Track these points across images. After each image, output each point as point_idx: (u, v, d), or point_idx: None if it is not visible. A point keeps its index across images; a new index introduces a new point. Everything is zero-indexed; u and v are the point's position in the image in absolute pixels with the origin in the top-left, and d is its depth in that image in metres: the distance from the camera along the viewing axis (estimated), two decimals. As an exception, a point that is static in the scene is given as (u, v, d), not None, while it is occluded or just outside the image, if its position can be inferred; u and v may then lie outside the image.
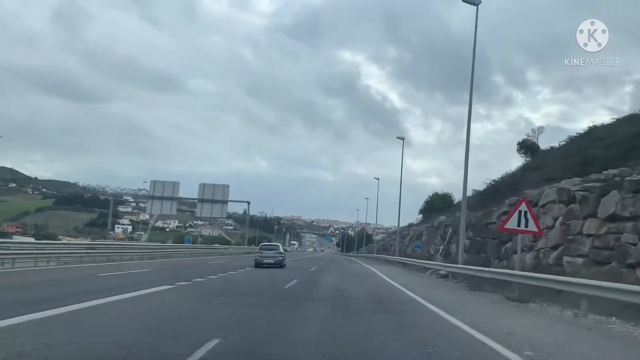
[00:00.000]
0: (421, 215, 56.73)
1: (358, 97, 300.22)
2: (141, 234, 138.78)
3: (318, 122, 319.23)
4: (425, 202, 57.61)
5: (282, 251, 28.43)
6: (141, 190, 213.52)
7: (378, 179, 61.90)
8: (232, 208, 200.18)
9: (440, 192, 56.87)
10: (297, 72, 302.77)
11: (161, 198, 48.47)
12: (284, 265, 26.46)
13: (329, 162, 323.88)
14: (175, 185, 48.97)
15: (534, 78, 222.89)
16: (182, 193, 50.69)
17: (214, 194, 49.02)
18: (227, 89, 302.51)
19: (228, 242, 66.53)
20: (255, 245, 49.39)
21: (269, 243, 34.01)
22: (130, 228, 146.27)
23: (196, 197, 49.95)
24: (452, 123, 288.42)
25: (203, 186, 49.45)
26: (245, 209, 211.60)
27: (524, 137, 43.50)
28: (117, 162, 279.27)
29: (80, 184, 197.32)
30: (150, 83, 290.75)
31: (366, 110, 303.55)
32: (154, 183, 48.74)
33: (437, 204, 51.10)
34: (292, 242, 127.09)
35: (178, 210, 57.05)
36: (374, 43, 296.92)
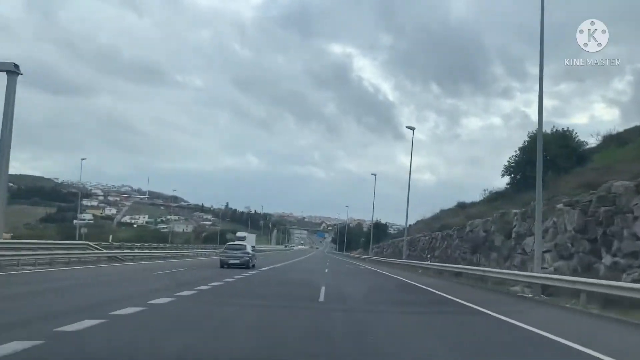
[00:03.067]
0: (508, 178, 34.42)
1: (350, 90, 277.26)
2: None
3: (310, 117, 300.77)
4: (519, 149, 32.50)
5: (249, 251, 26.78)
6: (124, 186, 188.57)
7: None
8: (214, 202, 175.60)
9: (551, 131, 30.45)
10: (288, 65, 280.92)
11: None
12: (252, 266, 25.30)
13: (320, 158, 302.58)
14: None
15: (533, 70, 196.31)
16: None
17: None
18: (215, 83, 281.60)
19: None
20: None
21: (235, 242, 32.32)
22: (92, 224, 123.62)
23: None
24: (448, 117, 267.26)
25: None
26: (227, 203, 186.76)
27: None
28: (103, 159, 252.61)
29: (59, 180, 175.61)
30: (136, 75, 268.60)
31: (359, 104, 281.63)
32: None
33: (553, 150, 27.46)
34: (239, 234, 65.87)
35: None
36: (367, 32, 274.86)
